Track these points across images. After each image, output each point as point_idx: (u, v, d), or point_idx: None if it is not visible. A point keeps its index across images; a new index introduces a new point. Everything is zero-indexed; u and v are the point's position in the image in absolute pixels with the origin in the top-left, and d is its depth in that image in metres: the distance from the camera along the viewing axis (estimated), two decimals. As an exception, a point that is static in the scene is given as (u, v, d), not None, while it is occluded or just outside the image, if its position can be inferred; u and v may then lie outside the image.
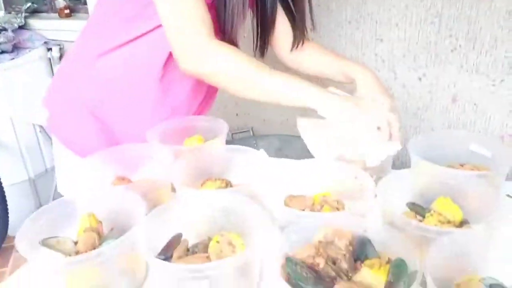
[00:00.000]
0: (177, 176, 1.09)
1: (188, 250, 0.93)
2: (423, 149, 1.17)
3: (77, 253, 0.92)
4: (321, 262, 0.76)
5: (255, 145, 1.99)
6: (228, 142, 1.80)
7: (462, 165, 1.13)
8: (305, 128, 1.16)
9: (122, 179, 1.20)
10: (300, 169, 1.14)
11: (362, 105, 1.06)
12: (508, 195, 1.19)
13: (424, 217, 0.97)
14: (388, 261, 0.78)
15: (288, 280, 0.72)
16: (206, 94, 1.55)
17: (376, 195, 0.95)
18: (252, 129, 2.34)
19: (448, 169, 1.04)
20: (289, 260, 0.75)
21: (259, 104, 2.23)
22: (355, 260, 0.78)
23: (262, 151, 1.29)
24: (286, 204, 1.08)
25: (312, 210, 1.01)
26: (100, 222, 0.99)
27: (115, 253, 0.83)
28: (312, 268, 0.75)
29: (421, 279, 0.69)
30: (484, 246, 0.81)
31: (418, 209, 1.02)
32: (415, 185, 1.10)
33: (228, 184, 1.13)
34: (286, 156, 1.94)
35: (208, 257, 0.88)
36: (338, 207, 1.03)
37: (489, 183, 1.02)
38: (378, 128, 1.05)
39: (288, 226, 0.88)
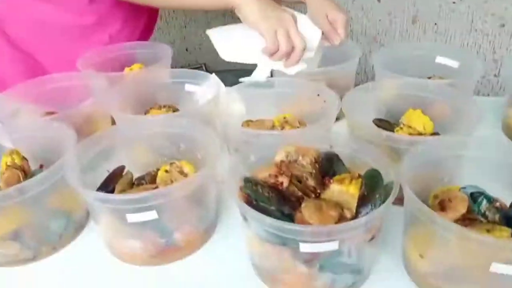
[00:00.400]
0: (115, 105, 0.94)
1: (133, 183, 0.81)
2: (387, 62, 1.08)
3: (-1, 192, 0.77)
4: (284, 181, 0.66)
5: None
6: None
7: (429, 78, 1.05)
8: (214, 33, 1.04)
9: (52, 113, 1.03)
10: (257, 93, 1.02)
11: (280, 14, 0.93)
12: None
13: (393, 131, 0.89)
14: (359, 176, 0.69)
15: (249, 202, 0.62)
16: (147, 20, 1.38)
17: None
18: (205, 65, 2.16)
19: (417, 80, 0.96)
20: (247, 180, 0.65)
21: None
22: (323, 177, 0.69)
23: (213, 75, 1.15)
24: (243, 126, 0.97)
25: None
26: (26, 159, 0.84)
27: (41, 190, 0.70)
28: (275, 188, 0.65)
29: (397, 191, 0.61)
30: (458, 153, 0.74)
31: (386, 125, 0.94)
32: (381, 99, 1.01)
33: (175, 111, 0.99)
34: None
35: (156, 188, 0.76)
36: (300, 127, 0.93)
37: (459, 91, 0.95)
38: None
39: (246, 146, 0.77)
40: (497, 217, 0.63)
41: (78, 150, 0.76)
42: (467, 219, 0.64)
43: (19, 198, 0.67)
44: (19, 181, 0.78)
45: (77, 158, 0.74)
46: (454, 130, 0.88)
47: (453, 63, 1.08)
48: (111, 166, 0.82)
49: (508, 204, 0.68)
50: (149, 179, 0.79)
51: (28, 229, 0.73)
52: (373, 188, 0.61)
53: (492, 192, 0.69)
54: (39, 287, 0.71)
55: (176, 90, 1.08)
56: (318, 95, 0.96)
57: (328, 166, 0.71)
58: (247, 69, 1.76)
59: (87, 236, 0.80)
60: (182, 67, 2.03)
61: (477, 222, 0.63)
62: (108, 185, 0.77)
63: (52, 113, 1.03)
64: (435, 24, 1.70)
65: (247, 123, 0.97)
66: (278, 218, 0.58)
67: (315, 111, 0.95)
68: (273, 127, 0.94)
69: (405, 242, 0.68)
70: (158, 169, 0.81)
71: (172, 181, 0.77)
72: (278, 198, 0.62)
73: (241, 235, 0.72)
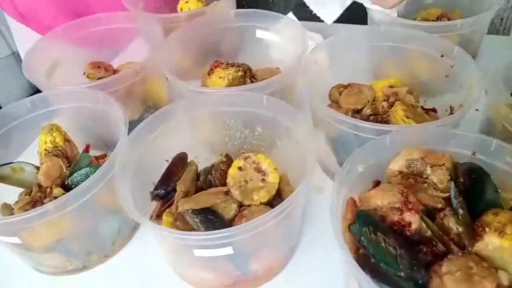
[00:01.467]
0: (171, 61, 0.74)
1: (198, 179, 0.64)
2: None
3: (39, 186, 0.64)
4: (413, 222, 0.46)
5: (271, 2, 1.53)
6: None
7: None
8: None
9: (98, 67, 0.85)
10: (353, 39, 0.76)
11: None
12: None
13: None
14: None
15: (364, 258, 0.43)
16: None
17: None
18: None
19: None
20: (362, 218, 0.45)
21: None
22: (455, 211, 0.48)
23: (290, 15, 0.89)
24: (333, 99, 0.74)
25: (375, 110, 0.68)
26: (68, 140, 0.69)
27: (89, 194, 0.55)
28: (400, 233, 0.46)
29: None
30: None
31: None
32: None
33: (246, 72, 0.77)
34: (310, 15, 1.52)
35: (227, 192, 0.59)
36: (416, 104, 0.68)
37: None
38: None
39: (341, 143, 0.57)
40: None
41: (132, 137, 0.59)
42: None
43: (59, 214, 0.53)
44: (61, 172, 0.64)
45: (129, 157, 0.58)
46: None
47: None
48: (171, 152, 0.65)
49: None
50: (219, 176, 0.62)
51: (74, 237, 0.60)
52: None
53: None
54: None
55: (245, 36, 0.86)
56: (442, 56, 0.69)
57: (478, 190, 0.49)
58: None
59: (145, 238, 0.67)
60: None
61: None
62: (168, 183, 0.61)
63: (98, 65, 0.86)
64: None
65: (338, 88, 0.74)
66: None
67: (436, 80, 0.70)
68: (374, 100, 0.71)
69: None
70: (227, 157, 0.64)
71: (246, 182, 0.60)
72: (410, 257, 0.43)
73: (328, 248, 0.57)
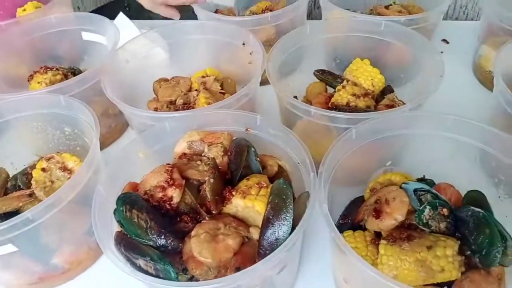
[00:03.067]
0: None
1: (6, 185, 0.65)
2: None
3: None
4: (174, 196, 0.50)
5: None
6: (116, 1, 1.37)
7: (387, 7, 0.84)
8: None
9: None
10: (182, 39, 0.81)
11: None
12: (444, 40, 0.95)
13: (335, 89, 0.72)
14: (276, 175, 0.55)
15: (121, 235, 0.47)
16: None
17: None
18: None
19: (365, 18, 0.75)
20: (121, 200, 0.49)
21: None
22: (230, 180, 0.53)
23: (121, 16, 0.92)
24: (155, 92, 0.78)
25: (186, 100, 0.73)
26: None
27: None
28: (161, 207, 0.50)
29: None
30: (408, 130, 0.58)
31: (329, 79, 0.76)
32: (327, 42, 0.82)
33: (68, 75, 0.79)
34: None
35: (31, 194, 0.61)
36: (222, 91, 0.74)
37: (419, 30, 0.75)
38: None
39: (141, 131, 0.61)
40: (442, 225, 0.50)
41: None
42: (408, 227, 0.51)
43: None
44: None
45: None
46: (412, 86, 0.71)
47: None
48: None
49: (463, 195, 0.55)
50: (25, 181, 0.64)
51: None
52: (280, 209, 0.46)
53: (451, 176, 0.56)
54: None
55: (75, 40, 0.87)
56: (244, 44, 0.76)
57: (238, 160, 0.55)
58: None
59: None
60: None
61: (417, 233, 0.50)
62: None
63: None
64: None
65: (159, 82, 0.78)
66: (153, 260, 0.45)
67: (244, 65, 0.76)
68: (189, 91, 0.75)
69: (333, 264, 0.56)
70: (38, 160, 0.65)
71: (52, 182, 0.62)
72: (160, 227, 0.47)
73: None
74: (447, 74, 0.64)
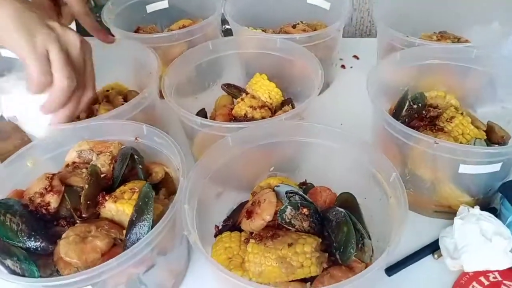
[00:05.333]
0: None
1: None
2: (248, 9, 0.91)
3: None
4: (52, 201, 0.53)
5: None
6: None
7: (294, 26, 0.90)
8: None
9: None
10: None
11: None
12: (354, 56, 1.01)
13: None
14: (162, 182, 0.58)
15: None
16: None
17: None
18: None
19: (268, 36, 0.81)
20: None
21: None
22: (111, 186, 0.56)
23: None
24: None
25: (91, 113, 0.75)
26: None
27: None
28: (38, 212, 0.52)
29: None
30: (288, 137, 0.63)
31: (235, 92, 0.80)
32: (239, 58, 0.87)
33: None
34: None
35: None
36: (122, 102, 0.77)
37: (319, 46, 0.81)
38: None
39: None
40: (306, 224, 0.54)
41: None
42: (275, 227, 0.55)
43: None
44: None
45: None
46: (303, 97, 0.76)
47: (325, 4, 0.93)
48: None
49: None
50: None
51: None
52: (142, 211, 0.49)
53: (332, 180, 0.61)
54: None
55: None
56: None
57: (119, 167, 0.58)
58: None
59: None
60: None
61: (283, 232, 0.54)
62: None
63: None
64: None
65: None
66: (20, 260, 0.47)
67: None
68: (95, 103, 0.78)
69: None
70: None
71: None
72: (31, 230, 0.50)
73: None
74: (353, 87, 0.69)
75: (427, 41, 0.79)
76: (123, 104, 0.76)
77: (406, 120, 0.68)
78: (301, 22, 0.91)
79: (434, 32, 0.90)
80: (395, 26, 0.80)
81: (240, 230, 0.58)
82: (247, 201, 0.63)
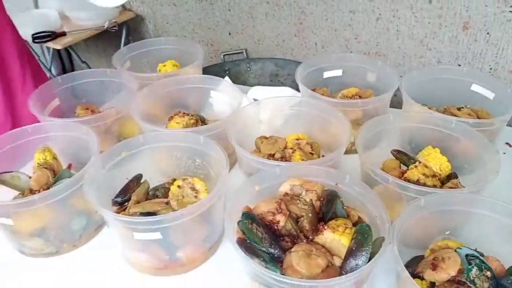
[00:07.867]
0: (140, 109, 0.99)
1: (148, 193, 0.86)
2: (418, 87, 1.05)
3: (30, 190, 0.86)
4: (281, 220, 0.69)
5: (249, 69, 1.86)
6: (219, 64, 1.67)
7: (459, 109, 1.01)
8: None
9: (86, 109, 1.10)
10: (278, 104, 1.04)
11: None
12: (507, 143, 1.09)
13: (409, 167, 0.89)
14: (356, 223, 0.71)
15: (243, 239, 0.66)
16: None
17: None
18: (246, 51, 2.16)
19: (440, 115, 0.93)
20: (245, 216, 0.68)
21: (253, 23, 2.05)
22: (322, 219, 0.71)
23: (226, 78, 1.17)
24: (257, 146, 0.99)
25: (283, 154, 0.92)
26: (55, 158, 0.92)
27: (65, 195, 0.77)
28: (271, 227, 0.68)
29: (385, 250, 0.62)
30: (466, 210, 0.73)
31: (404, 158, 0.93)
32: (405, 129, 1.00)
33: (198, 121, 1.03)
34: (281, 83, 1.82)
35: (167, 203, 0.81)
36: (312, 152, 0.94)
37: (485, 132, 0.91)
38: None
39: (254, 174, 0.80)
40: (486, 285, 0.63)
41: (101, 157, 0.82)
42: (457, 282, 0.65)
43: (44, 203, 0.75)
44: (48, 181, 0.87)
45: (100, 165, 0.81)
46: (474, 176, 0.86)
47: (489, 94, 1.04)
48: (131, 173, 0.88)
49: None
50: (163, 192, 0.85)
51: (53, 228, 0.81)
52: (361, 245, 0.63)
53: (498, 253, 0.69)
54: (59, 279, 0.80)
55: (203, 95, 1.12)
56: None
57: (329, 206, 0.73)
58: (287, 59, 1.76)
59: (105, 235, 0.88)
60: (223, 52, 2.06)
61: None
62: (125, 193, 0.84)
63: (87, 107, 1.11)
64: (487, 33, 1.59)
65: (261, 139, 0.99)
66: (265, 261, 0.62)
67: (330, 138, 0.96)
68: (285, 148, 0.95)
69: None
70: (174, 180, 0.86)
71: (183, 197, 0.83)
72: (271, 239, 0.65)
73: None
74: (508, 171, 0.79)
75: None
76: (311, 152, 0.93)
77: None
78: (465, 106, 1.02)
79: None
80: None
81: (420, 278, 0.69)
82: (421, 256, 0.74)
